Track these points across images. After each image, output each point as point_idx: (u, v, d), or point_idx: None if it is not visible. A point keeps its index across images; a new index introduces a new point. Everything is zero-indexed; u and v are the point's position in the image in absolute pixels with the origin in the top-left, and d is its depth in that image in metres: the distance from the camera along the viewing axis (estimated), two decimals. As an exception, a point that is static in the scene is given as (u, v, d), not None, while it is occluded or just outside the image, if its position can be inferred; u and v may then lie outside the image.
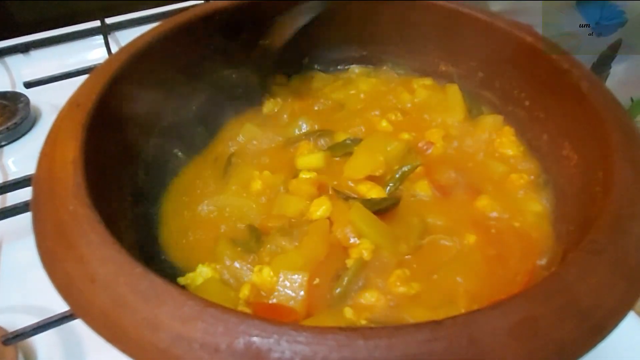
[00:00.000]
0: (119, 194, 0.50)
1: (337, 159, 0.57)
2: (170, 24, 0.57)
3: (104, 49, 0.93)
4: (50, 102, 0.85)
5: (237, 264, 0.47)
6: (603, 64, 0.80)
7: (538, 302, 0.31)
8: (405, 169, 0.53)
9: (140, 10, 1.04)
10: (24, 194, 0.63)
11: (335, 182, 0.53)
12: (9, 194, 0.66)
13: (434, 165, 0.56)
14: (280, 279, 0.43)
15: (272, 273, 0.44)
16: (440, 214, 0.51)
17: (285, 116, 0.65)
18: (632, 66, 0.81)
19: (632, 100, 0.88)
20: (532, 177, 0.55)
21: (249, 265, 0.47)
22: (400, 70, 0.71)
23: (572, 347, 0.30)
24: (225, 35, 0.63)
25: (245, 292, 0.44)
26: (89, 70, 0.82)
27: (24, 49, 0.95)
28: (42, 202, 0.38)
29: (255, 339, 0.28)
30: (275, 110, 0.65)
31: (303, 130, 0.61)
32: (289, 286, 0.43)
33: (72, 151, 0.40)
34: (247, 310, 0.43)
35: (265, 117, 0.65)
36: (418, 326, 0.29)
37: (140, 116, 0.55)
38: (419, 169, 0.54)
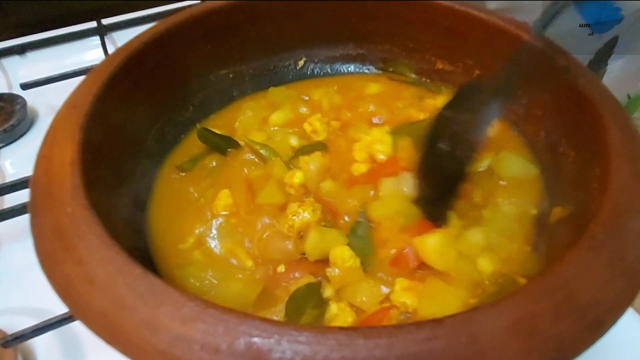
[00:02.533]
0: (117, 195, 0.50)
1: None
2: (166, 24, 0.57)
3: (101, 49, 0.93)
4: (47, 104, 0.85)
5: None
6: (600, 61, 0.80)
7: (536, 299, 0.31)
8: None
9: (136, 11, 1.04)
10: (22, 196, 0.63)
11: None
12: (6, 196, 0.66)
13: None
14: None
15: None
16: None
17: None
18: (628, 63, 0.81)
19: (628, 96, 0.88)
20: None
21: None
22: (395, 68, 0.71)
23: (570, 343, 0.30)
24: (221, 35, 0.63)
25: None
26: (85, 71, 0.82)
27: (21, 50, 0.94)
28: (40, 204, 0.38)
29: (256, 339, 0.28)
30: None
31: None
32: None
33: (69, 153, 0.40)
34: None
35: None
36: (418, 325, 0.29)
37: (137, 117, 0.55)
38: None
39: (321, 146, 0.59)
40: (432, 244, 0.46)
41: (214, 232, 0.50)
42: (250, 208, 0.52)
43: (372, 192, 0.53)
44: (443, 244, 0.46)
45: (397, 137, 0.58)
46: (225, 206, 0.53)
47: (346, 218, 0.52)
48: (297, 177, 0.53)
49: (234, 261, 0.48)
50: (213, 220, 0.51)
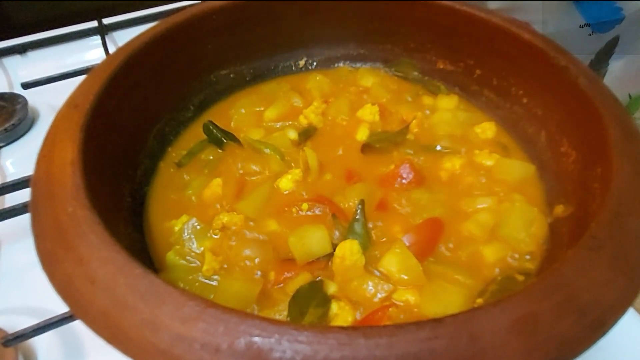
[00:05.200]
0: (117, 194, 0.50)
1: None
2: (167, 24, 0.57)
3: (102, 49, 0.93)
4: (48, 103, 0.85)
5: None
6: (601, 61, 0.80)
7: (538, 299, 0.31)
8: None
9: (137, 11, 1.04)
10: (23, 196, 0.63)
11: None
12: (7, 196, 0.66)
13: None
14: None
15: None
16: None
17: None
18: (629, 63, 0.81)
19: (629, 96, 0.88)
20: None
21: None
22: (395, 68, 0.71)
23: (571, 343, 0.30)
24: (222, 35, 0.63)
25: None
26: (86, 70, 0.83)
27: (22, 50, 0.94)
28: (40, 204, 0.38)
29: (256, 338, 0.28)
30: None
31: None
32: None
33: (70, 152, 0.40)
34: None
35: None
36: (418, 324, 0.29)
37: (138, 117, 0.55)
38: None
39: (314, 130, 0.61)
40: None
41: (189, 232, 0.50)
42: (233, 206, 0.53)
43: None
44: (403, 264, 0.46)
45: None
46: (213, 194, 0.53)
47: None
48: (283, 183, 0.54)
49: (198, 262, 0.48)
50: (191, 219, 0.51)
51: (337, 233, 0.50)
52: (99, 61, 0.52)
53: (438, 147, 0.58)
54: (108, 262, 0.33)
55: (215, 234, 0.50)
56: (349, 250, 0.46)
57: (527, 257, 0.48)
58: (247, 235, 0.50)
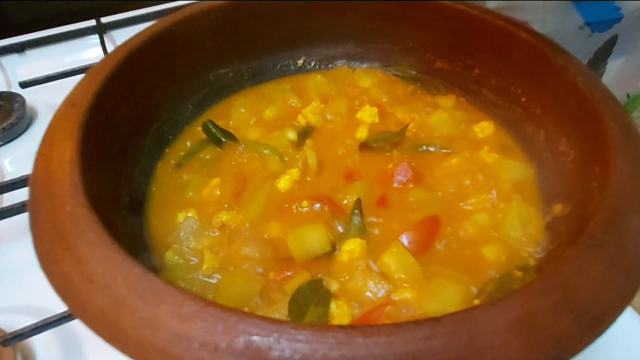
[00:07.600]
0: (116, 193, 0.50)
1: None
2: (165, 22, 0.57)
3: (100, 48, 0.93)
4: (46, 102, 0.85)
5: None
6: (599, 60, 0.80)
7: (536, 298, 0.31)
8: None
9: (135, 9, 1.04)
10: (21, 195, 0.62)
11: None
12: (5, 195, 0.66)
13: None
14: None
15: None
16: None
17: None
18: (628, 62, 0.81)
19: (628, 95, 0.88)
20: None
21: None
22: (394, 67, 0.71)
23: (570, 342, 0.30)
24: (220, 33, 0.63)
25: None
26: (84, 69, 0.82)
27: (20, 48, 0.94)
28: (39, 203, 0.38)
29: (255, 337, 0.28)
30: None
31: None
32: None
33: (68, 151, 0.40)
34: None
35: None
36: (417, 323, 0.29)
37: (136, 116, 0.55)
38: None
39: (312, 130, 0.61)
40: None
41: (188, 231, 0.50)
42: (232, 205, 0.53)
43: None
44: (401, 263, 0.46)
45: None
46: (212, 194, 0.53)
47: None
48: (282, 183, 0.54)
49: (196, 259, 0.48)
50: (189, 217, 0.51)
51: (336, 229, 0.50)
52: (97, 60, 0.52)
53: (436, 146, 0.58)
54: (106, 261, 0.33)
55: (214, 232, 0.50)
56: (358, 246, 0.47)
57: (526, 256, 0.48)
58: (247, 234, 0.50)
